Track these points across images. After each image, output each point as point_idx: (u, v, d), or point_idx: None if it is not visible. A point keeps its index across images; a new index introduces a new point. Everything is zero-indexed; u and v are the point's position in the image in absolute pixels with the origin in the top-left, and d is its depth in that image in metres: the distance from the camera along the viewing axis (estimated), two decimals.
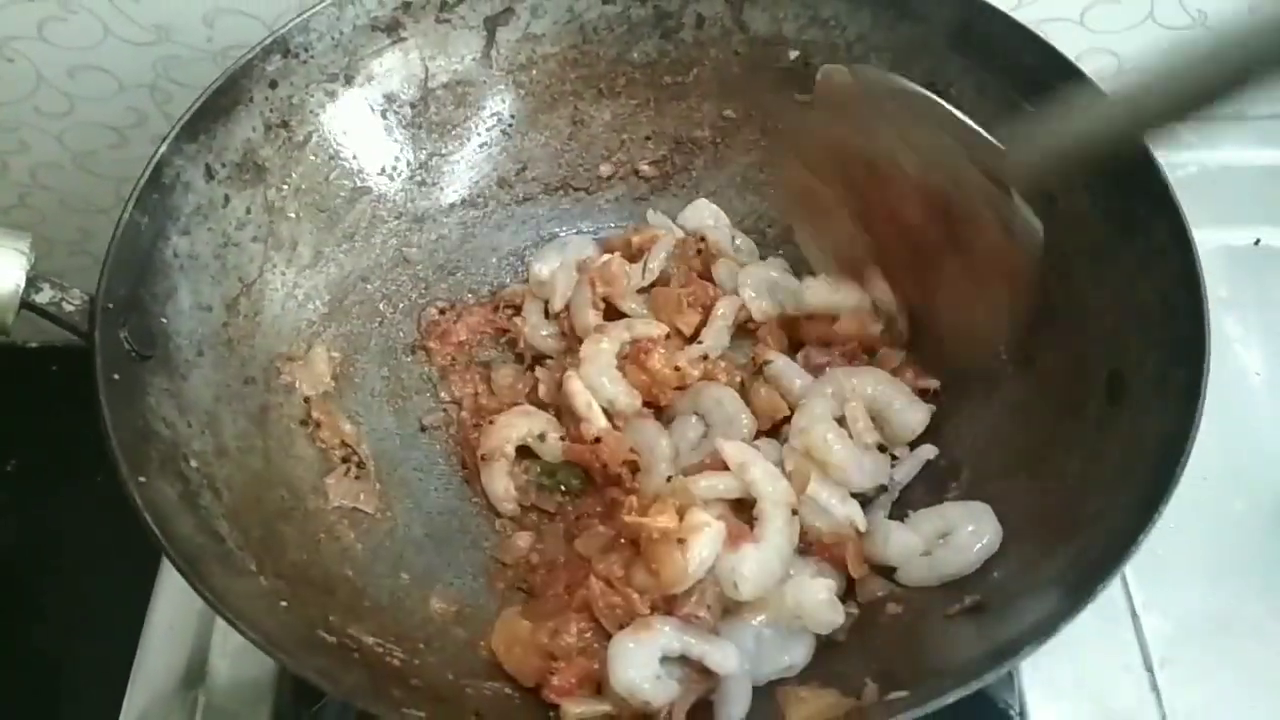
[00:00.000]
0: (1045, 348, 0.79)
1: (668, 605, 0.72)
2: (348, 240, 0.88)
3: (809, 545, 0.76)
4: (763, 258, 0.93)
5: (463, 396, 0.89)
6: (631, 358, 0.84)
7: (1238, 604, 0.84)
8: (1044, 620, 0.61)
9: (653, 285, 0.89)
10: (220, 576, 0.64)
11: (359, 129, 0.88)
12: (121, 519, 0.62)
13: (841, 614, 0.72)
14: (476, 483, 0.85)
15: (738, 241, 0.93)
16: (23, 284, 0.67)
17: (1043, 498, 0.73)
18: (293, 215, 0.84)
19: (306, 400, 0.82)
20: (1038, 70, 0.81)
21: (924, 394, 0.82)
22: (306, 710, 0.79)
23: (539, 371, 0.89)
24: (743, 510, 0.75)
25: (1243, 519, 0.88)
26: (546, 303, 0.91)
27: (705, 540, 0.71)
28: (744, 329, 0.87)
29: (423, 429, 0.88)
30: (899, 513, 0.78)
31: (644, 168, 0.96)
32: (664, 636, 0.69)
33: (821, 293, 0.84)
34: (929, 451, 0.81)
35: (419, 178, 0.92)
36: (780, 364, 0.83)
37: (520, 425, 0.84)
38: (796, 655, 0.71)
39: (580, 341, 0.86)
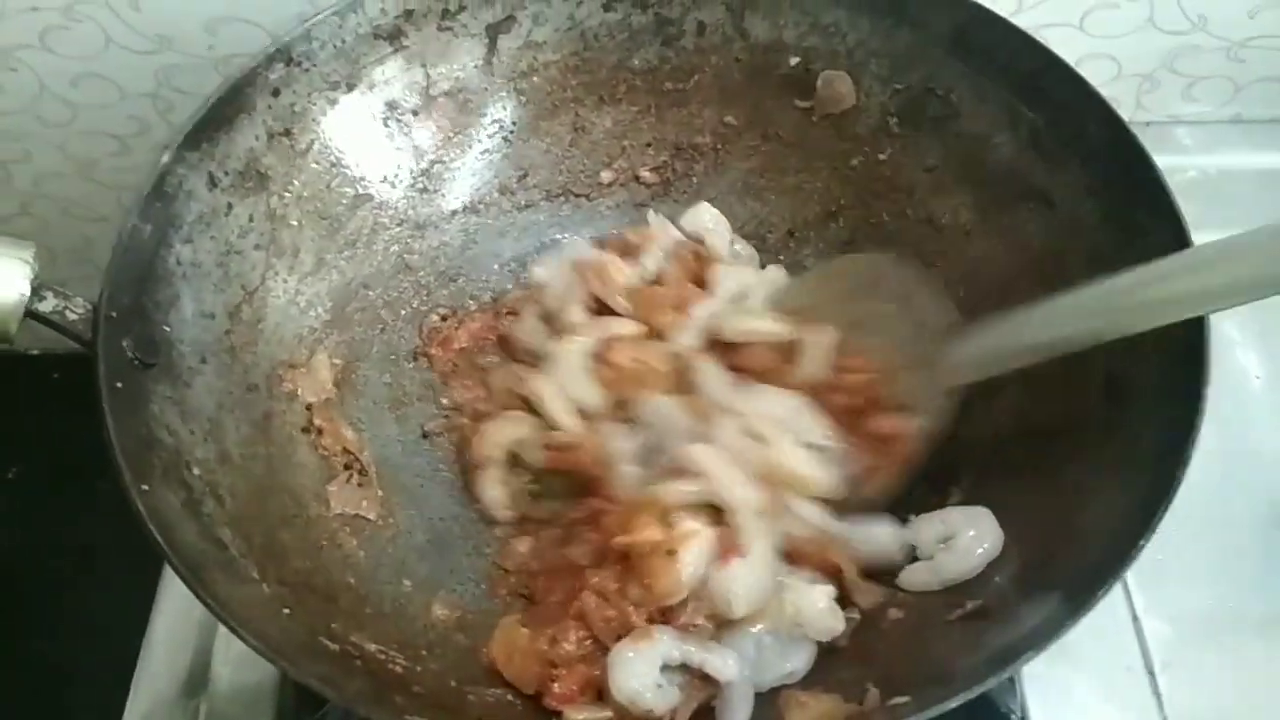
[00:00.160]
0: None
1: (664, 617, 0.71)
2: (350, 247, 0.88)
3: (792, 555, 0.75)
4: (763, 264, 0.94)
5: (464, 403, 0.89)
6: (600, 356, 0.84)
7: (1239, 607, 0.84)
8: (1045, 625, 0.61)
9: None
10: (223, 584, 0.64)
11: (361, 137, 0.88)
12: (123, 526, 0.62)
13: (842, 621, 0.72)
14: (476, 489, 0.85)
15: (737, 247, 0.93)
16: (27, 293, 0.67)
17: (1043, 502, 0.73)
18: (295, 223, 0.85)
19: (309, 407, 0.82)
20: (1038, 76, 0.81)
21: None
22: (309, 717, 0.80)
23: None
24: (720, 515, 0.75)
25: (1243, 522, 0.88)
26: (546, 306, 0.90)
27: (695, 549, 0.71)
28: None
29: (425, 435, 0.88)
30: (900, 516, 0.78)
31: (645, 174, 0.96)
32: (663, 645, 0.69)
33: (746, 320, 0.85)
34: None
35: (420, 185, 0.92)
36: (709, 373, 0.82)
37: (508, 431, 0.84)
38: (798, 662, 0.71)
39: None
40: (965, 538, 0.73)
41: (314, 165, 0.86)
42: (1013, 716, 0.78)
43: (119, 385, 0.68)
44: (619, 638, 0.70)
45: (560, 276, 0.90)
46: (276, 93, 0.82)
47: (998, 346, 0.74)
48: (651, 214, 0.94)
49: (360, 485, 0.81)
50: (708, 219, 0.93)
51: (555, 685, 0.70)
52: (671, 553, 0.70)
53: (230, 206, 0.80)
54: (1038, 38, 0.82)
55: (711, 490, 0.74)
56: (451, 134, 0.92)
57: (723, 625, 0.72)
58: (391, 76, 0.88)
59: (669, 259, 0.90)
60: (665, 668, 0.69)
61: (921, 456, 0.78)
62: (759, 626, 0.71)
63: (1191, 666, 0.81)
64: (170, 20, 0.98)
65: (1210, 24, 1.00)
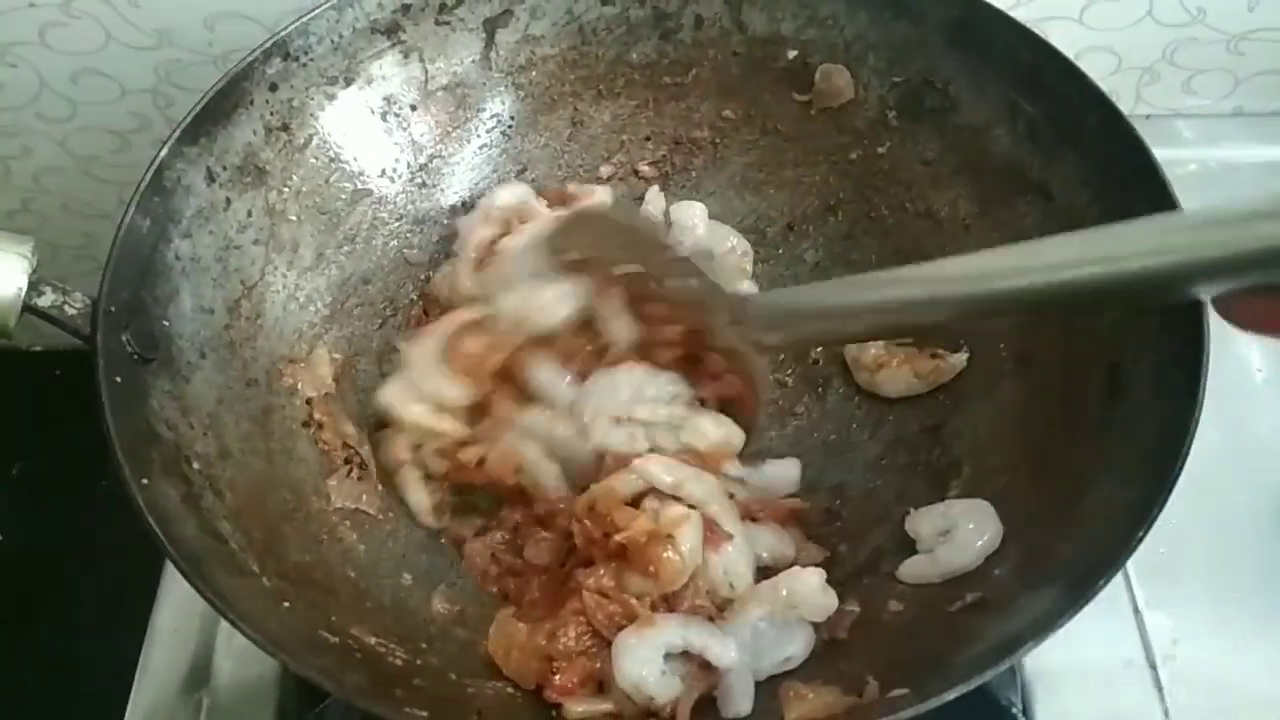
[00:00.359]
0: (1044, 344, 0.79)
1: (668, 603, 0.72)
2: (349, 242, 0.89)
3: (746, 515, 0.77)
4: (764, 259, 0.94)
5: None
6: (451, 345, 0.81)
7: (1240, 600, 0.84)
8: (1045, 617, 0.61)
9: None
10: (223, 578, 0.65)
11: (359, 131, 0.88)
12: (125, 521, 0.62)
13: (835, 598, 0.72)
14: None
15: (733, 242, 0.93)
16: (25, 288, 0.67)
17: (1043, 494, 0.73)
18: (294, 218, 0.85)
19: (308, 402, 0.82)
20: (1036, 68, 0.81)
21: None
22: (310, 711, 0.80)
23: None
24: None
25: (1245, 515, 0.88)
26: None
27: (691, 530, 0.71)
28: None
29: None
30: (901, 510, 0.78)
31: (643, 168, 0.96)
32: (667, 632, 0.69)
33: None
34: None
35: (419, 180, 0.92)
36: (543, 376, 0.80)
37: (410, 436, 0.81)
38: (795, 648, 0.71)
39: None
40: (964, 530, 0.73)
41: (312, 160, 0.86)
42: (1013, 708, 0.78)
43: (118, 380, 0.68)
44: (621, 629, 0.71)
45: (475, 224, 0.89)
46: (274, 88, 0.82)
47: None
48: (654, 191, 0.94)
49: (360, 479, 0.81)
50: (692, 215, 0.92)
51: (556, 677, 0.70)
52: (670, 538, 0.71)
53: (229, 201, 0.80)
54: (1037, 31, 0.81)
55: (669, 487, 0.74)
56: (450, 129, 0.92)
57: (722, 607, 0.72)
58: (389, 71, 0.88)
59: None
60: (668, 656, 0.69)
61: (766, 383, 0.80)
62: (756, 612, 0.72)
63: (1193, 659, 0.82)
64: (169, 16, 0.98)
65: (1210, 17, 1.00)
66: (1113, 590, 0.60)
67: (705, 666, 0.69)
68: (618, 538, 0.72)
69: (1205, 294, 0.57)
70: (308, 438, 0.82)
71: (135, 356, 0.70)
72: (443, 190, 0.93)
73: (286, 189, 0.84)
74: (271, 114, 0.82)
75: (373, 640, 0.70)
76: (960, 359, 0.83)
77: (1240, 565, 0.86)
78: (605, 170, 0.96)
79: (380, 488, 0.82)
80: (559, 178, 0.96)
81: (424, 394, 0.81)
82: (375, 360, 0.88)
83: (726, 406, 0.80)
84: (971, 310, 0.68)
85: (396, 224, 0.91)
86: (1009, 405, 0.80)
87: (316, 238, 0.86)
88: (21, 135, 1.11)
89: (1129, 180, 0.76)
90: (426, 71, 0.90)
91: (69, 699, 1.22)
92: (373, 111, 0.88)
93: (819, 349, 0.89)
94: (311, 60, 0.84)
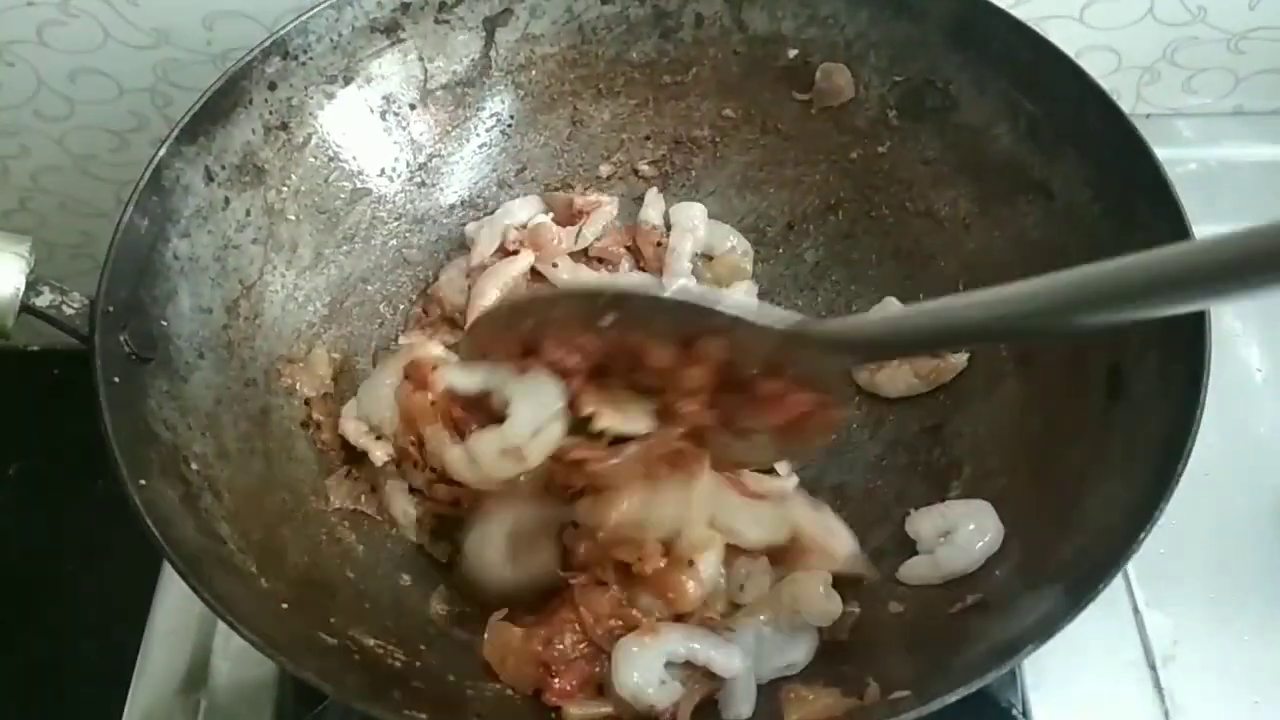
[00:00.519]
0: (1044, 345, 0.79)
1: (677, 618, 0.71)
2: (348, 242, 0.88)
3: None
4: (764, 259, 0.93)
5: None
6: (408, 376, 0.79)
7: (1241, 600, 0.84)
8: (1046, 619, 0.61)
9: (586, 251, 0.91)
10: (220, 579, 0.64)
11: (358, 130, 0.88)
12: (123, 522, 0.62)
13: (839, 604, 0.71)
14: None
15: (733, 241, 0.93)
16: (22, 287, 0.67)
17: (1044, 495, 0.73)
18: (292, 217, 0.84)
19: (307, 402, 0.82)
20: (1037, 67, 0.81)
21: None
22: (308, 712, 0.79)
23: None
24: None
25: (1245, 515, 0.87)
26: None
27: (714, 557, 0.71)
28: None
29: None
30: (901, 511, 0.78)
31: (643, 167, 0.96)
32: (670, 642, 0.69)
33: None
34: None
35: (418, 179, 0.92)
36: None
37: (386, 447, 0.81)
38: (798, 653, 0.71)
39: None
40: (965, 531, 0.73)
41: (311, 159, 0.85)
42: (1014, 710, 0.78)
43: (116, 380, 0.67)
44: (620, 637, 0.70)
45: (485, 233, 0.90)
46: (273, 86, 0.82)
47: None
48: (652, 192, 0.94)
49: (359, 480, 0.81)
50: (695, 215, 0.93)
51: (555, 681, 0.70)
52: (691, 564, 0.70)
53: (227, 201, 0.80)
54: (1037, 30, 0.81)
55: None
56: (449, 128, 0.92)
57: (726, 613, 0.72)
58: (388, 70, 0.88)
59: (609, 231, 0.92)
60: (669, 663, 0.69)
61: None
62: (760, 617, 0.71)
63: (1194, 660, 0.81)
64: (168, 15, 0.98)
65: (1210, 16, 1.00)
66: (1113, 591, 0.60)
67: (707, 671, 0.69)
68: (637, 568, 0.70)
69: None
70: (306, 438, 0.81)
71: (133, 356, 0.70)
72: (442, 189, 0.93)
73: (285, 188, 0.84)
74: (270, 113, 0.82)
75: (371, 642, 0.70)
76: (960, 359, 0.83)
77: (1240, 566, 0.85)
78: (605, 169, 0.96)
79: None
80: (559, 177, 0.95)
81: (360, 413, 0.81)
82: (374, 360, 0.88)
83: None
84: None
85: (395, 223, 0.91)
86: (1010, 405, 0.80)
87: (315, 237, 0.86)
88: (19, 134, 1.10)
89: (1130, 179, 0.75)
90: (426, 70, 0.89)
91: (67, 699, 1.22)
92: (372, 110, 0.88)
93: None
94: (311, 59, 0.83)
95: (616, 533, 0.70)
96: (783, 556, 0.74)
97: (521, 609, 0.73)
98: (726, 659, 0.69)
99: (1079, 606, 0.60)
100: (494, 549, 0.75)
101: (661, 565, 0.70)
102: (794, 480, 0.82)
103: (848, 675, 0.68)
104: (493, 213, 0.93)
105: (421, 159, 0.91)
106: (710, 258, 0.93)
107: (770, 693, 0.69)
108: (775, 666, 0.71)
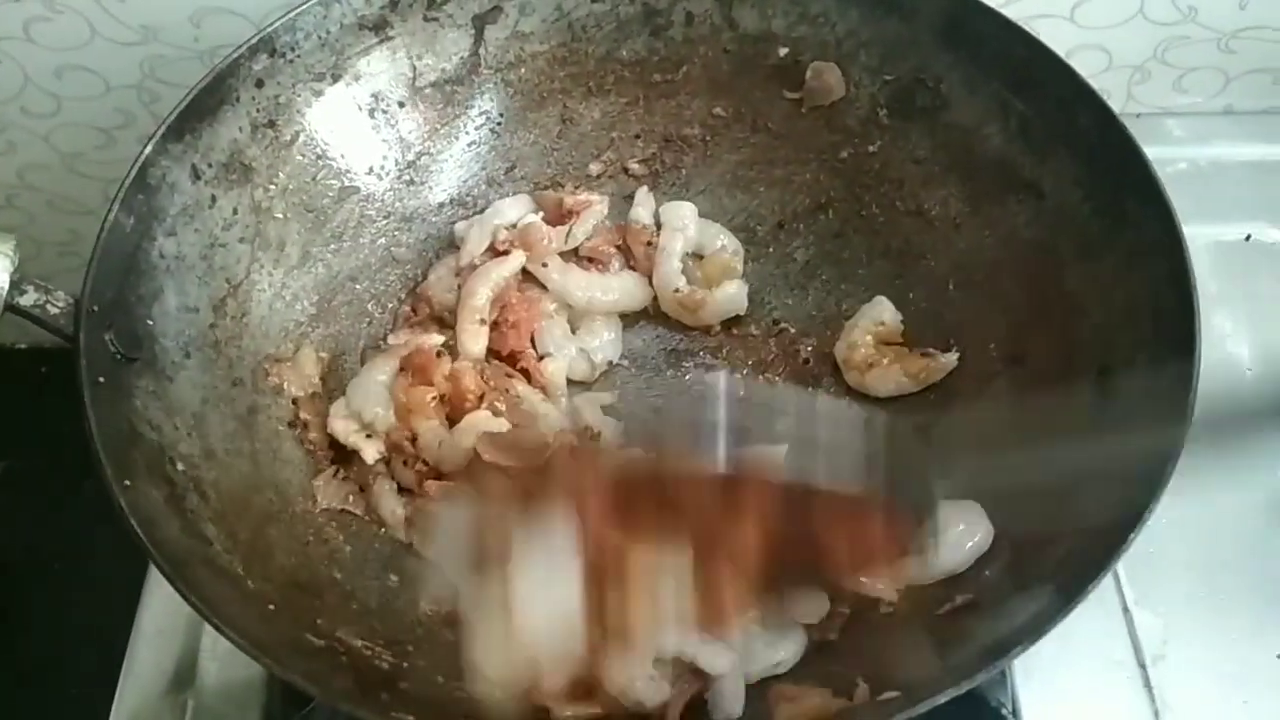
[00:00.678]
0: (1035, 344, 0.79)
1: None
2: (336, 240, 0.88)
3: None
4: (755, 258, 0.93)
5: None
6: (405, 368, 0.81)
7: (1230, 600, 0.84)
8: (1036, 619, 0.61)
9: (576, 251, 0.91)
10: (206, 580, 0.64)
11: (346, 128, 0.87)
12: (111, 522, 0.62)
13: (826, 601, 0.71)
14: None
15: (723, 240, 0.92)
16: (6, 286, 0.67)
17: (1033, 495, 0.72)
18: (280, 215, 0.84)
19: (294, 402, 0.82)
20: (1027, 66, 0.81)
21: None
22: (295, 713, 0.79)
23: None
24: None
25: (1234, 515, 0.87)
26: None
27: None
28: None
29: None
30: None
31: (633, 166, 0.96)
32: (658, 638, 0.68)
33: None
34: None
35: (407, 177, 0.91)
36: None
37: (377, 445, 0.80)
38: (786, 652, 0.71)
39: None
40: (954, 532, 0.73)
41: (299, 157, 0.85)
42: (1004, 710, 0.78)
43: (101, 380, 0.67)
44: None
45: (474, 232, 0.90)
46: (260, 84, 0.81)
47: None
48: (643, 191, 0.94)
49: (346, 479, 0.81)
50: (681, 215, 0.92)
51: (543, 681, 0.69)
52: None
53: (214, 199, 0.79)
54: (1028, 29, 0.81)
55: None
56: (438, 126, 0.92)
57: None
58: (377, 68, 0.87)
59: (599, 230, 0.92)
60: (657, 660, 0.68)
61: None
62: (748, 615, 0.71)
63: (1183, 659, 0.81)
64: (155, 11, 0.97)
65: (1201, 15, 1.00)
66: (1102, 590, 0.60)
67: (696, 670, 0.68)
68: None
69: None
70: (293, 438, 0.81)
71: (118, 356, 0.69)
72: (431, 188, 0.92)
73: (273, 186, 0.83)
74: (258, 110, 0.82)
75: (359, 643, 0.70)
76: (951, 359, 0.83)
77: (1230, 565, 0.85)
78: (595, 168, 0.96)
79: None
80: (548, 176, 0.95)
81: (350, 410, 0.81)
82: (361, 359, 0.88)
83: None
84: None
85: (384, 222, 0.91)
86: (999, 405, 0.80)
87: (303, 235, 0.86)
88: (5, 131, 1.10)
89: (1120, 178, 0.75)
90: (414, 68, 0.89)
91: (53, 700, 1.21)
92: (360, 108, 0.88)
93: (809, 349, 0.89)
94: (298, 56, 0.83)
95: None
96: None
97: None
98: (714, 657, 0.68)
99: (1069, 606, 0.60)
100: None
101: None
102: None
103: (837, 676, 0.68)
104: (482, 211, 0.93)
105: (410, 157, 0.91)
106: (700, 257, 0.93)
107: (760, 693, 0.69)
108: (764, 665, 0.71)
